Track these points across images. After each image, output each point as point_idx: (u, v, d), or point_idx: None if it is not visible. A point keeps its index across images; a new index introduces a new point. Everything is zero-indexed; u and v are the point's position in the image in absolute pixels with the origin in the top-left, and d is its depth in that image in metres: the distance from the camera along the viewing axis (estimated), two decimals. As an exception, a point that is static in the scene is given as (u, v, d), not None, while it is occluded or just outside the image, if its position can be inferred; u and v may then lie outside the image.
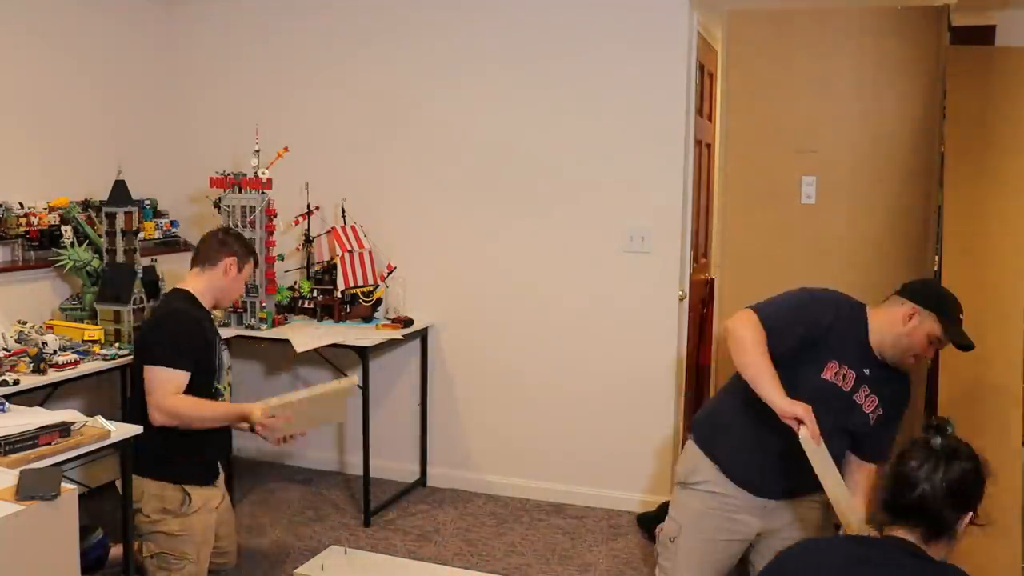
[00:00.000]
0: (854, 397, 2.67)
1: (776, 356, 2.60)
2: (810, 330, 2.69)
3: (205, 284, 3.17)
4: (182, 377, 2.96)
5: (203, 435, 3.05)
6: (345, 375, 3.58)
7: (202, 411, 2.99)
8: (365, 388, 3.79)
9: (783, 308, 2.73)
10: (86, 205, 3.89)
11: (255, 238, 3.90)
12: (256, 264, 3.39)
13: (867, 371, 2.68)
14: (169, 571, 3.00)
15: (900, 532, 1.92)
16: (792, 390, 2.54)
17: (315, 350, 3.77)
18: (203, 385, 3.06)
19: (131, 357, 3.39)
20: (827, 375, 2.66)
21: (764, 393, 2.55)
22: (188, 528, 3.00)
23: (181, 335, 3.01)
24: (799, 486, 2.75)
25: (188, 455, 3.00)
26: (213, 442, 3.17)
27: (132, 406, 3.12)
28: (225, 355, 3.25)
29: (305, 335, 3.82)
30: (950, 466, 1.96)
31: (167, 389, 2.92)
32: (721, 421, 2.82)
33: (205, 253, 3.20)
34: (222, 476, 3.29)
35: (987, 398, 3.20)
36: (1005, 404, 3.20)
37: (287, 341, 3.80)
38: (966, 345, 2.60)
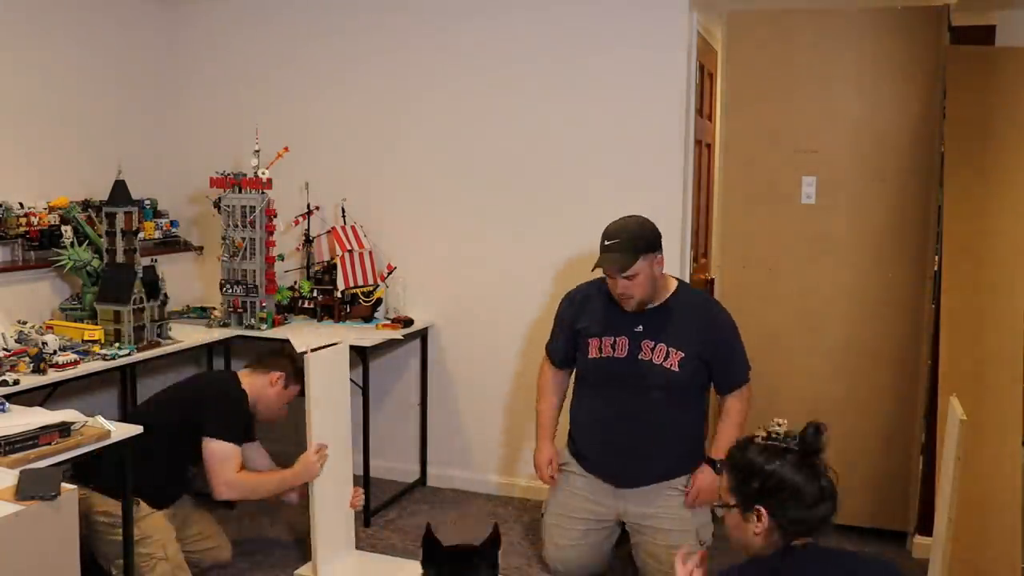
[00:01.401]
0: (640, 357, 2.86)
1: (574, 364, 3.11)
2: (564, 329, 3.13)
3: (250, 385, 3.26)
4: (238, 452, 3.10)
5: (185, 476, 3.18)
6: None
7: (259, 489, 3.18)
8: (365, 388, 3.79)
9: (553, 326, 3.22)
10: (86, 205, 3.89)
11: (255, 238, 3.90)
12: (301, 394, 3.27)
13: (639, 328, 2.86)
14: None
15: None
16: (582, 385, 3.07)
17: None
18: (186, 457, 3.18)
19: (132, 357, 3.39)
20: (593, 352, 2.93)
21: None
22: (144, 530, 2.96)
23: (239, 413, 3.18)
24: (642, 474, 3.01)
25: (158, 478, 3.06)
26: (189, 487, 3.28)
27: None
28: None
29: (305, 335, 3.82)
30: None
31: (229, 464, 3.06)
32: (574, 412, 3.20)
33: (263, 358, 3.36)
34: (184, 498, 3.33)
35: (987, 397, 3.20)
36: (1005, 403, 3.20)
37: (282, 341, 3.80)
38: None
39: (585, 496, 3.14)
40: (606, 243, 2.97)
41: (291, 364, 3.30)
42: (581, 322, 3.05)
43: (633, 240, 2.94)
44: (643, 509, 3.05)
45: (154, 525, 3.02)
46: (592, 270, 2.99)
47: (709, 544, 3.05)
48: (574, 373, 3.22)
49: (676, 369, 2.88)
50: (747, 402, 3.06)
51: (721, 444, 2.94)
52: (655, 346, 2.88)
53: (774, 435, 2.03)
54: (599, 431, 3.05)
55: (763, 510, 1.96)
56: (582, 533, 3.15)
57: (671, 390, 2.90)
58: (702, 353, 2.93)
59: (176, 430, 3.07)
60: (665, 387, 2.89)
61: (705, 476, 3.00)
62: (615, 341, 2.93)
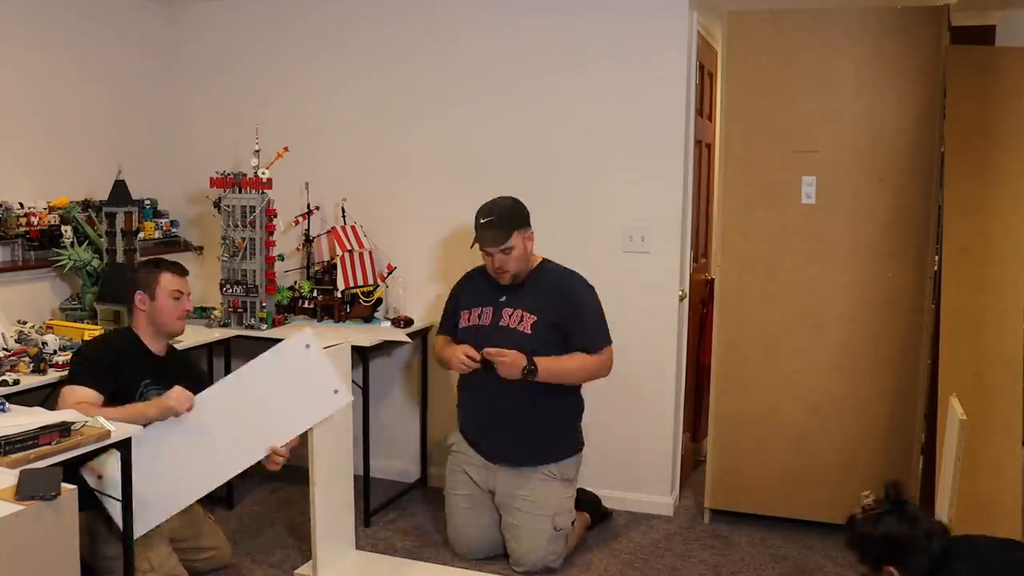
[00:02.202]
0: (500, 324, 3.28)
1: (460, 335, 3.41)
2: (450, 305, 3.55)
3: (138, 327, 3.12)
4: (89, 393, 2.86)
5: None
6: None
7: (121, 414, 2.80)
8: (365, 388, 3.79)
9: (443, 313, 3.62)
10: (86, 205, 3.89)
11: (255, 238, 3.90)
12: (180, 274, 3.16)
13: (502, 299, 3.31)
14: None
15: None
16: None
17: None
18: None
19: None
20: (463, 323, 3.39)
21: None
22: (120, 548, 2.84)
23: (95, 359, 2.96)
24: (510, 451, 3.34)
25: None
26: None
27: None
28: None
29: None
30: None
31: (78, 404, 2.77)
32: (459, 389, 3.52)
33: (126, 294, 3.13)
34: None
35: (987, 397, 3.20)
36: (1005, 403, 3.20)
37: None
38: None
39: (466, 472, 3.47)
40: (482, 221, 3.30)
41: (137, 274, 3.14)
42: (460, 300, 3.47)
43: (508, 217, 3.28)
44: (509, 489, 3.37)
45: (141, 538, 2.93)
46: (471, 247, 3.33)
47: (567, 532, 3.40)
48: None
49: (528, 331, 3.22)
50: (601, 360, 3.32)
51: (548, 359, 3.23)
52: (512, 312, 3.26)
53: (868, 506, 2.41)
54: (472, 403, 3.43)
55: (892, 569, 2.27)
56: (466, 511, 3.47)
57: (524, 352, 3.21)
58: (556, 321, 3.23)
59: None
60: (518, 349, 3.21)
61: (517, 355, 3.22)
62: (481, 311, 3.33)
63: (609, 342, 3.38)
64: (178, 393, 2.90)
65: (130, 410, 2.84)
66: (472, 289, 3.46)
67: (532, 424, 3.34)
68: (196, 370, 3.39)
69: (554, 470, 3.40)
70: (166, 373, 3.08)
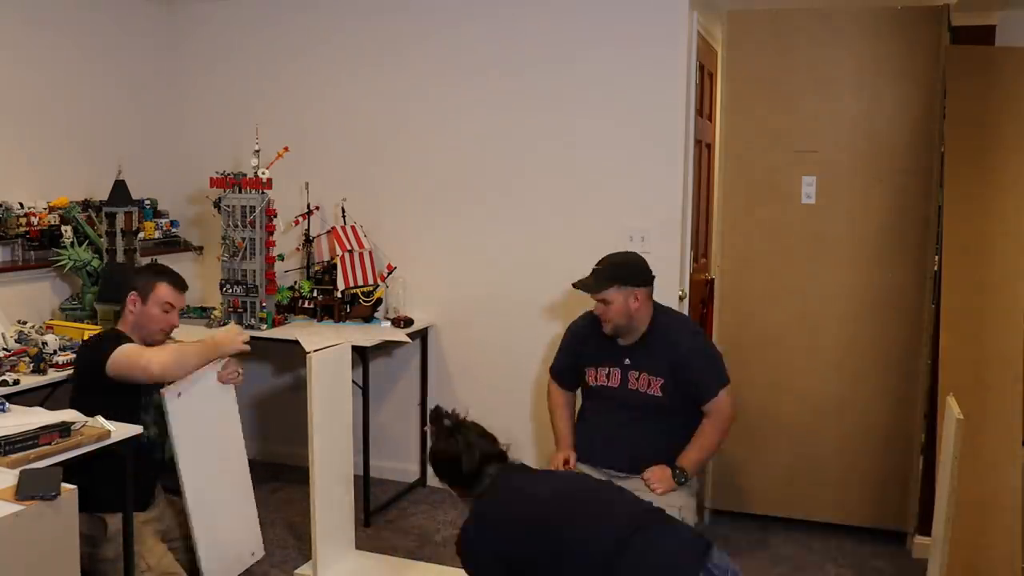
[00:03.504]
0: (629, 387, 3.14)
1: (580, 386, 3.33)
2: (568, 356, 3.35)
3: (125, 328, 3.07)
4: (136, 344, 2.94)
5: (119, 465, 2.82)
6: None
7: (176, 354, 2.93)
8: (365, 388, 3.79)
9: (559, 352, 3.43)
10: (86, 205, 3.89)
11: (255, 238, 3.90)
12: (179, 288, 3.14)
13: (627, 361, 3.15)
14: None
15: None
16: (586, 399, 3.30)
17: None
18: (126, 413, 2.89)
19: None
20: (590, 380, 3.23)
21: None
22: (116, 549, 2.84)
23: (105, 339, 2.99)
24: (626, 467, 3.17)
25: (103, 484, 2.69)
26: (141, 464, 2.95)
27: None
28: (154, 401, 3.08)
29: (311, 335, 3.82)
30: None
31: (142, 349, 2.90)
32: (578, 418, 3.40)
33: (115, 297, 3.13)
34: (160, 498, 3.18)
35: (987, 397, 3.20)
36: (1005, 403, 3.20)
37: (288, 341, 3.81)
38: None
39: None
40: (595, 267, 3.21)
41: (136, 276, 3.11)
42: (581, 354, 3.30)
43: (614, 268, 3.15)
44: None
45: (137, 541, 2.90)
46: (573, 286, 3.23)
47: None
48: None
49: (658, 394, 3.11)
50: (721, 417, 3.12)
51: (688, 455, 3.08)
52: (639, 375, 3.14)
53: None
54: (599, 439, 3.22)
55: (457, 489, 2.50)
56: None
57: (661, 413, 3.11)
58: (679, 379, 3.11)
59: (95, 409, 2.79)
60: (655, 410, 3.11)
61: (662, 469, 3.08)
62: (609, 372, 3.19)
63: (721, 385, 3.12)
64: (239, 331, 3.10)
65: (200, 349, 3.01)
66: (594, 342, 3.24)
67: (650, 456, 3.12)
68: None
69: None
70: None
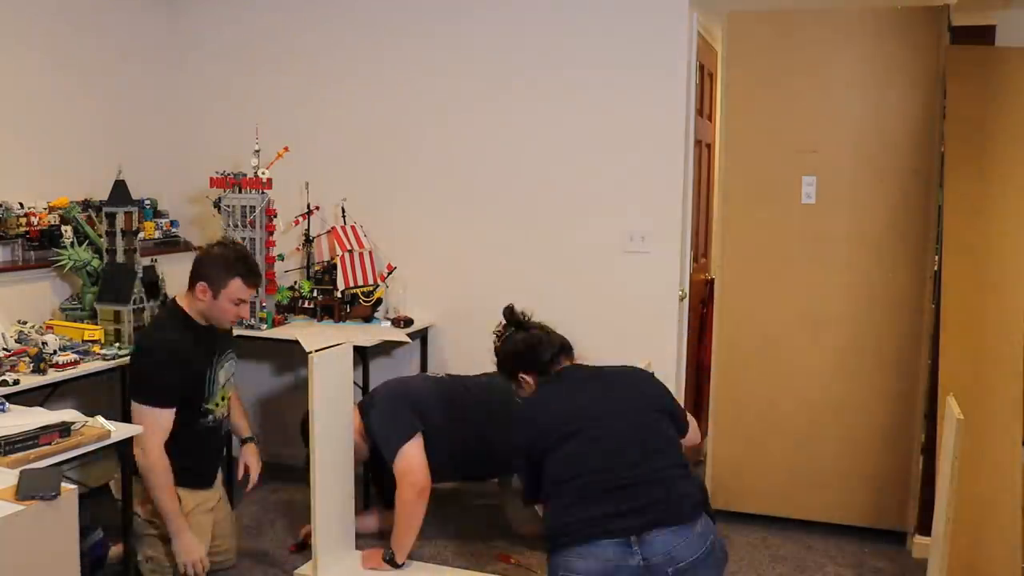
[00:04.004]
0: None
1: None
2: None
3: (188, 304, 3.14)
4: (167, 415, 2.96)
5: (197, 439, 3.06)
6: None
7: (162, 492, 2.94)
8: (365, 388, 3.79)
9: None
10: (86, 205, 3.89)
11: (255, 238, 3.90)
12: (252, 284, 3.16)
13: None
14: (163, 574, 3.00)
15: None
16: None
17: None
18: (191, 408, 3.07)
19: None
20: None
21: None
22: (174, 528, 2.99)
23: (163, 365, 2.98)
24: None
25: (181, 458, 2.99)
26: (209, 445, 3.17)
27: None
28: (224, 368, 3.23)
29: (312, 335, 3.82)
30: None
31: (155, 431, 2.92)
32: None
33: (191, 272, 3.13)
34: (220, 478, 3.29)
35: (987, 397, 3.20)
36: (1005, 403, 3.20)
37: (288, 341, 3.81)
38: None
39: None
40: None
41: (212, 268, 3.07)
42: None
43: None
44: None
45: (195, 530, 3.05)
46: None
47: None
48: None
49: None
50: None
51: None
52: None
53: (498, 332, 3.00)
54: None
55: (525, 376, 2.83)
56: None
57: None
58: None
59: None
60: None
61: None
62: None
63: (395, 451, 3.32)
64: (189, 545, 3.02)
65: (169, 516, 2.98)
66: None
67: None
68: (235, 342, 3.45)
69: None
70: (216, 342, 3.17)
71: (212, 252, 3.16)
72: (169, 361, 2.99)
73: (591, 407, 2.59)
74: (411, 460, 3.26)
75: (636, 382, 2.73)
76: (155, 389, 2.96)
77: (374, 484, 3.82)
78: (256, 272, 3.19)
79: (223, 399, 3.23)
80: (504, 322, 2.94)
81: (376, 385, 3.65)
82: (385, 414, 3.35)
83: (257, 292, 3.43)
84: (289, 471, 4.32)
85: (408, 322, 4.06)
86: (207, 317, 3.13)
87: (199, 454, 3.13)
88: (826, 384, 3.75)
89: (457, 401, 3.46)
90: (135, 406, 2.95)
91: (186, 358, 3.05)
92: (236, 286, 3.09)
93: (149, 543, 3.02)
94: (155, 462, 2.91)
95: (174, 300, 3.18)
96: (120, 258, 3.64)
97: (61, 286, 3.84)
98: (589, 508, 2.35)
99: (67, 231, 3.71)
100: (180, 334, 3.07)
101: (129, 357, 3.18)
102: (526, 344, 2.82)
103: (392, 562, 3.28)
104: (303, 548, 3.49)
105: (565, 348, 2.85)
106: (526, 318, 2.93)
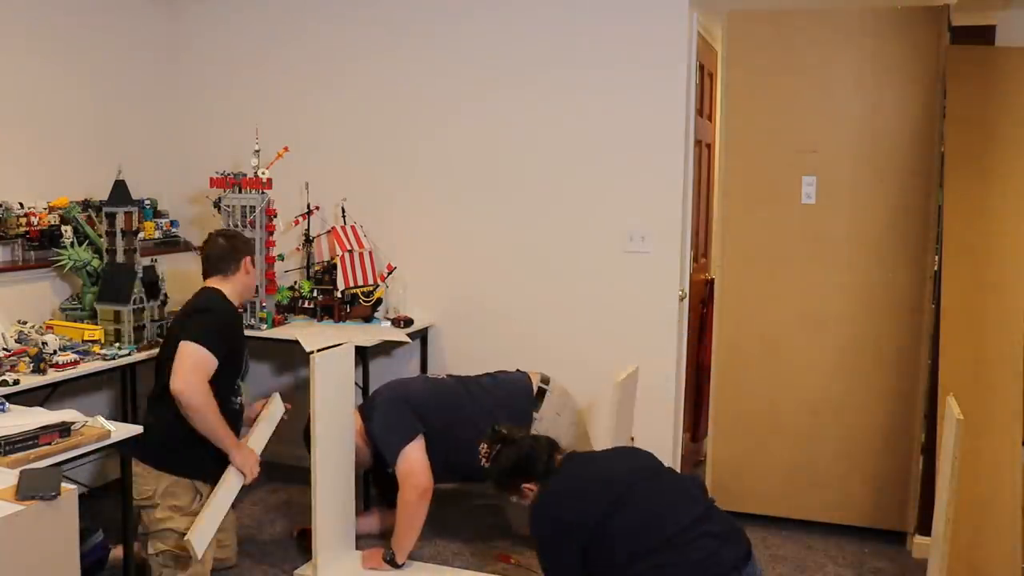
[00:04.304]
0: None
1: None
2: None
3: (231, 288, 3.27)
4: (213, 362, 3.02)
5: (225, 419, 3.10)
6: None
7: (210, 415, 3.00)
8: (365, 388, 3.79)
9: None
10: (86, 205, 3.89)
11: (255, 238, 3.90)
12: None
13: None
14: (175, 570, 3.00)
15: None
16: None
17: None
18: (228, 379, 3.15)
19: (132, 356, 3.39)
20: None
21: None
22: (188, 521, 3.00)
23: (225, 326, 3.14)
24: None
25: (203, 448, 3.03)
26: (233, 429, 3.20)
27: (158, 396, 3.11)
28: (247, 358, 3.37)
29: (312, 335, 3.82)
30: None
31: (201, 369, 2.98)
32: None
33: (223, 260, 3.29)
34: None
35: (987, 397, 3.20)
36: (1005, 403, 3.20)
37: (288, 341, 3.81)
38: None
39: None
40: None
41: (245, 245, 3.41)
42: None
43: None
44: None
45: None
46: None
47: None
48: None
49: None
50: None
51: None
52: None
53: (485, 452, 2.95)
54: None
55: (526, 485, 2.82)
56: None
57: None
58: None
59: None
60: None
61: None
62: None
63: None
64: (250, 457, 3.21)
65: (224, 440, 3.08)
66: None
67: None
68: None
69: None
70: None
71: (235, 233, 3.48)
72: (230, 323, 3.20)
73: (619, 469, 2.64)
74: (413, 462, 3.28)
75: (633, 449, 2.94)
76: (212, 335, 3.04)
77: (375, 485, 3.82)
78: None
79: (246, 384, 3.36)
80: (489, 442, 2.94)
81: (376, 386, 3.67)
82: (386, 416, 3.37)
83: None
84: (289, 471, 4.32)
85: (408, 322, 4.06)
86: (244, 294, 3.38)
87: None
88: (826, 384, 3.75)
89: (457, 402, 3.47)
90: (185, 344, 2.98)
91: (240, 329, 3.27)
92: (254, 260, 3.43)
93: (162, 538, 3.02)
94: (203, 396, 2.96)
95: (212, 288, 3.25)
96: (120, 258, 3.64)
97: (61, 286, 3.84)
98: (690, 554, 2.38)
99: (67, 231, 3.71)
100: (231, 305, 3.25)
101: (177, 323, 3.20)
102: (519, 456, 2.82)
103: (392, 562, 3.28)
104: (304, 537, 3.50)
105: (554, 445, 2.88)
106: (509, 432, 2.93)
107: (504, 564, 3.48)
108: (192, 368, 2.95)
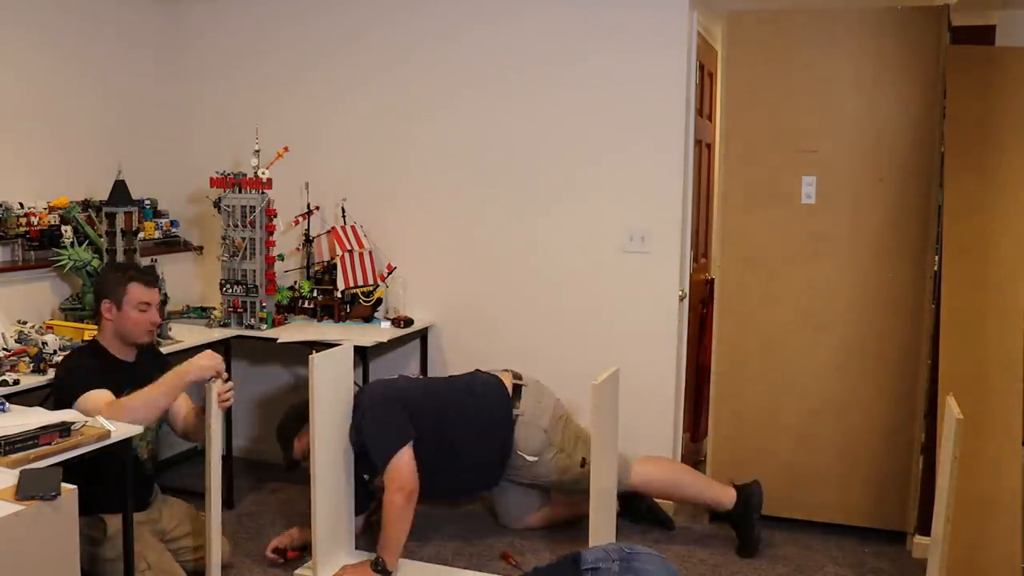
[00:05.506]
0: None
1: None
2: None
3: (103, 337, 3.07)
4: (103, 392, 2.82)
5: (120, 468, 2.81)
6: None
7: (150, 393, 2.79)
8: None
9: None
10: (86, 205, 3.89)
11: (255, 238, 3.90)
12: (146, 283, 3.08)
13: None
14: None
15: None
16: None
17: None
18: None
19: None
20: None
21: None
22: (116, 549, 2.85)
23: (82, 371, 2.91)
24: None
25: (96, 486, 2.64)
26: (139, 474, 3.04)
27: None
28: None
29: (304, 336, 3.82)
30: None
31: (103, 402, 2.76)
32: None
33: (93, 302, 3.07)
34: (158, 499, 3.22)
35: (987, 397, 3.20)
36: (1005, 403, 3.20)
37: (287, 341, 3.82)
38: None
39: None
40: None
41: (105, 283, 3.07)
42: None
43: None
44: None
45: (138, 542, 2.92)
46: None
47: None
48: None
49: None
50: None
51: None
52: None
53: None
54: None
55: None
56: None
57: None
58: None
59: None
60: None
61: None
62: None
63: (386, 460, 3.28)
64: (209, 355, 2.87)
65: (164, 384, 2.80)
66: None
67: None
68: (168, 362, 3.21)
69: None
70: (144, 375, 2.96)
71: (101, 273, 3.20)
72: (85, 366, 2.95)
73: None
74: (402, 466, 3.23)
75: None
76: (80, 379, 2.86)
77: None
78: (150, 272, 3.14)
79: (145, 442, 3.09)
80: None
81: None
82: (381, 417, 3.31)
83: (161, 293, 3.29)
84: (289, 471, 4.32)
85: (408, 322, 4.06)
86: (123, 337, 3.05)
87: (116, 484, 2.79)
88: (826, 384, 3.75)
89: (444, 407, 3.48)
90: (79, 402, 2.78)
91: (98, 369, 2.97)
92: (136, 290, 3.03)
93: (104, 571, 2.96)
94: (114, 404, 2.75)
95: (93, 340, 3.11)
96: (120, 258, 3.64)
97: (61, 286, 3.84)
98: None
99: (67, 231, 3.71)
100: (92, 357, 3.02)
101: (51, 388, 3.03)
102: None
103: (384, 572, 3.20)
104: (286, 559, 3.45)
105: None
106: None
107: (505, 563, 3.48)
108: (96, 408, 2.72)
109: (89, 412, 2.67)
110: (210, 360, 2.86)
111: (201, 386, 2.88)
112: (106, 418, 2.62)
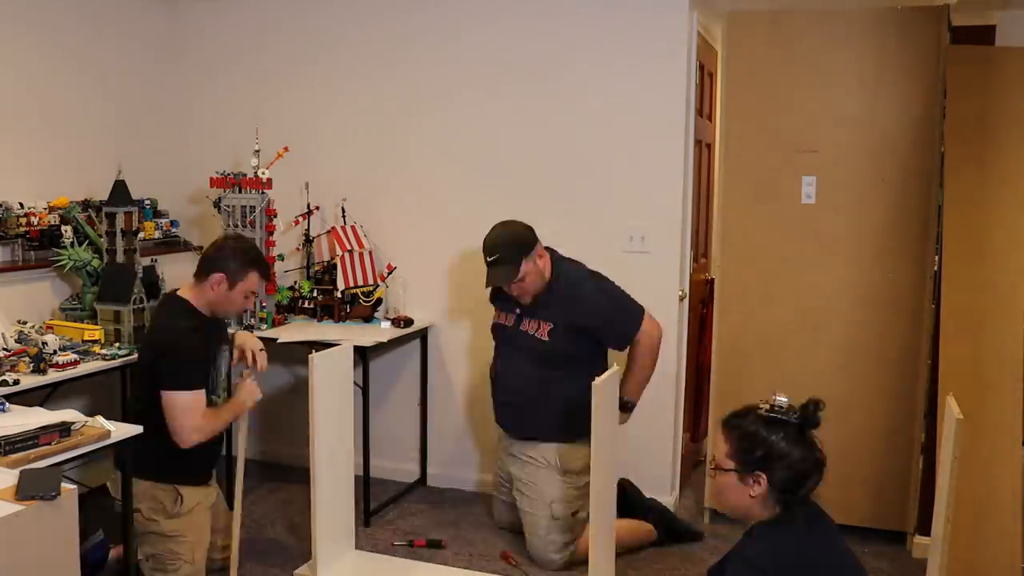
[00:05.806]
0: (521, 328, 3.49)
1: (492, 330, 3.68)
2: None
3: (196, 295, 3.12)
4: (198, 395, 2.99)
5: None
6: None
7: (216, 426, 3.05)
8: (365, 388, 3.79)
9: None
10: (86, 205, 3.89)
11: (255, 238, 3.90)
12: (264, 276, 3.22)
13: (518, 310, 3.50)
14: (164, 572, 3.00)
15: None
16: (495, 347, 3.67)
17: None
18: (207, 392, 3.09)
19: (132, 356, 3.39)
20: (495, 318, 3.64)
21: None
22: (181, 529, 3.01)
23: (190, 353, 3.00)
24: (518, 425, 3.61)
25: (179, 454, 2.98)
26: (209, 439, 3.16)
27: (133, 407, 3.12)
28: (223, 359, 3.25)
29: (302, 334, 3.82)
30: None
31: (190, 410, 2.95)
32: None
33: (201, 265, 3.13)
34: (214, 475, 3.29)
35: (987, 397, 3.20)
36: (1004, 403, 3.20)
37: (288, 341, 3.81)
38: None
39: (500, 455, 3.70)
40: (488, 260, 3.41)
41: (232, 258, 3.09)
42: (497, 297, 3.64)
43: (511, 248, 3.37)
44: (515, 471, 3.55)
45: (195, 528, 3.05)
46: (486, 287, 3.48)
47: (561, 518, 3.44)
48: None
49: (545, 338, 3.42)
50: (651, 342, 3.48)
51: (628, 386, 3.47)
52: (530, 321, 3.47)
53: (776, 407, 2.21)
54: (496, 381, 3.63)
55: (762, 476, 2.12)
56: (504, 491, 3.68)
57: (543, 356, 3.43)
58: (575, 325, 3.40)
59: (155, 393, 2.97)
60: (539, 352, 3.43)
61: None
62: (507, 315, 3.56)
63: (639, 322, 3.45)
64: (250, 388, 3.18)
65: (234, 405, 3.14)
66: (503, 291, 3.54)
67: (535, 399, 3.47)
68: (227, 329, 3.45)
69: (546, 456, 3.46)
70: (214, 335, 3.19)
71: (228, 244, 3.19)
72: (193, 347, 3.03)
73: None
74: (649, 318, 3.49)
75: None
76: (183, 374, 2.96)
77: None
78: (269, 266, 3.33)
79: (224, 391, 3.24)
80: (792, 409, 2.22)
81: (377, 386, 3.66)
82: (620, 292, 3.50)
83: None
84: (289, 471, 4.33)
85: (408, 322, 4.06)
86: (214, 308, 3.14)
87: (200, 447, 3.07)
88: (826, 384, 3.74)
89: None
90: (166, 396, 2.93)
91: (205, 340, 3.10)
92: (253, 279, 3.14)
93: (150, 541, 3.02)
94: (206, 430, 2.99)
95: (174, 293, 3.17)
96: (120, 258, 3.64)
97: (61, 286, 3.84)
98: None
99: (67, 231, 3.71)
100: (191, 324, 3.09)
101: (146, 352, 3.12)
102: (793, 454, 2.14)
103: (631, 408, 3.47)
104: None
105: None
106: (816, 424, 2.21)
107: (505, 564, 3.48)
108: (184, 415, 2.93)
109: (187, 409, 2.93)
110: (251, 394, 3.21)
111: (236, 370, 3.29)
112: (202, 422, 2.96)
